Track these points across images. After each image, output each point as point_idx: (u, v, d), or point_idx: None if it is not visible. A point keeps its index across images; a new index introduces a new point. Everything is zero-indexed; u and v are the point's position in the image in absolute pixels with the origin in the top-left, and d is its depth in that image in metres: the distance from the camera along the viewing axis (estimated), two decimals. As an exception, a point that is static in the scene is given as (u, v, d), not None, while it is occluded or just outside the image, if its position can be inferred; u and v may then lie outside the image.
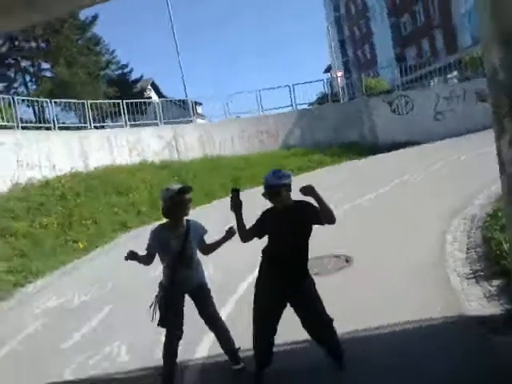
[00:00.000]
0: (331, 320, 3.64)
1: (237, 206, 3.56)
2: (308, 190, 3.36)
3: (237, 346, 3.88)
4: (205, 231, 3.88)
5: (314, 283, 3.62)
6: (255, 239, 3.65)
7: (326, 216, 3.38)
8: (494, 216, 6.54)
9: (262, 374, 3.66)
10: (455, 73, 22.31)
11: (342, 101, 21.88)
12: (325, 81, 22.95)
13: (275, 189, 3.45)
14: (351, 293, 5.13)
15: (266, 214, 3.64)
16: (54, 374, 4.39)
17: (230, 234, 3.72)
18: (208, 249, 3.89)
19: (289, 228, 3.46)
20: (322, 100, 23.11)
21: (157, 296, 3.73)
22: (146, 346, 4.58)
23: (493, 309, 4.28)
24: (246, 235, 3.64)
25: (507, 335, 3.75)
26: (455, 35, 34.12)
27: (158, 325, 3.67)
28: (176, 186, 3.70)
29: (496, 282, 4.77)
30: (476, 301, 4.50)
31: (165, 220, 3.78)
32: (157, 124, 18.74)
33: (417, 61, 28.58)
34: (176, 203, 3.62)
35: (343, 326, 4.23)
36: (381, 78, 23.52)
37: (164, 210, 3.70)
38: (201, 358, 4.19)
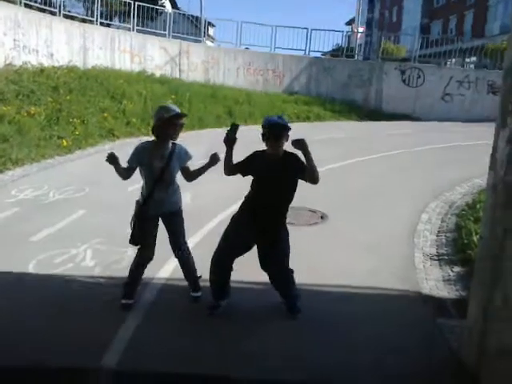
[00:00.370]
0: (291, 271, 3.78)
1: (231, 141, 3.54)
2: (300, 144, 3.35)
3: (199, 274, 3.99)
4: (189, 157, 3.83)
5: (288, 234, 3.71)
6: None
7: (310, 174, 3.40)
8: (472, 207, 6.69)
9: (217, 306, 3.80)
10: (474, 58, 21.84)
11: (356, 58, 21.35)
12: (344, 33, 22.22)
13: (279, 130, 3.43)
14: (317, 248, 5.27)
15: (255, 156, 3.63)
16: (19, 264, 4.46)
17: (213, 160, 3.70)
18: (191, 175, 3.86)
19: (274, 176, 3.48)
20: (336, 52, 22.47)
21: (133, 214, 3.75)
22: (113, 255, 4.68)
23: (447, 292, 4.48)
24: (231, 168, 3.64)
25: (451, 319, 3.95)
26: (485, 20, 33.05)
27: (130, 242, 3.74)
28: (174, 109, 3.63)
29: (457, 269, 4.95)
30: (434, 281, 4.68)
31: (153, 137, 3.74)
32: (165, 35, 18.06)
33: (441, 36, 27.75)
34: (168, 125, 3.56)
35: (302, 275, 4.44)
36: (401, 45, 22.87)
37: (154, 128, 3.64)
38: (163, 278, 4.30)
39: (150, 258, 3.83)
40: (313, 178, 3.41)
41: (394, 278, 4.63)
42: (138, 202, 3.76)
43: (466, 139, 13.53)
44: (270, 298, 3.91)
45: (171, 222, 3.83)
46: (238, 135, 3.56)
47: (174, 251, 3.94)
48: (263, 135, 3.47)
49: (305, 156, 3.37)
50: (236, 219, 3.72)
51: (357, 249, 5.32)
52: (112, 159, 3.55)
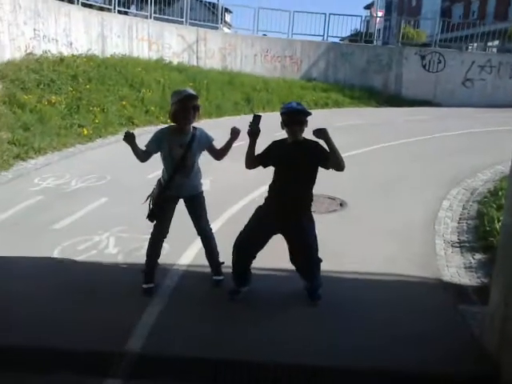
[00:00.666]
0: (318, 261, 3.74)
1: (254, 133, 3.52)
2: (321, 133, 3.31)
3: (221, 260, 4.04)
4: (211, 139, 3.87)
5: (313, 225, 3.67)
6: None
7: (335, 162, 3.36)
8: (495, 194, 6.60)
9: (237, 292, 3.85)
10: (497, 42, 21.30)
11: (375, 43, 21.03)
12: (362, 18, 21.89)
13: (297, 115, 3.42)
14: (336, 235, 5.27)
15: (274, 145, 3.64)
16: (44, 251, 4.56)
17: (234, 133, 3.73)
18: (218, 153, 3.89)
19: (293, 163, 3.47)
20: (354, 37, 22.16)
21: (152, 192, 3.80)
22: (134, 242, 4.75)
23: (468, 279, 4.45)
24: (253, 161, 3.65)
25: (474, 306, 3.93)
26: (509, 2, 32.11)
27: (147, 217, 3.78)
28: (184, 91, 3.64)
29: (478, 256, 4.91)
30: (455, 268, 4.65)
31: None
32: (182, 22, 18.01)
33: (462, 20, 27.11)
34: (182, 108, 3.57)
35: (325, 263, 4.44)
36: (421, 30, 22.42)
37: (171, 113, 3.66)
38: (184, 264, 4.36)
39: (163, 239, 3.87)
40: (338, 165, 3.38)
41: (414, 265, 4.61)
42: (159, 181, 3.80)
43: (488, 125, 13.28)
44: (290, 285, 3.94)
45: (193, 204, 3.88)
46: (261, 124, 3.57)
47: (198, 233, 3.99)
48: (282, 122, 3.47)
49: (328, 145, 3.33)
50: (259, 208, 3.74)
51: (377, 236, 5.30)
52: (129, 138, 3.56)
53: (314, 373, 3.01)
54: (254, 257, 3.77)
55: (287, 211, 3.57)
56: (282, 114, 3.47)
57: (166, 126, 3.82)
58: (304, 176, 3.51)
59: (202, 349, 3.19)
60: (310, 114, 3.48)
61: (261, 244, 3.70)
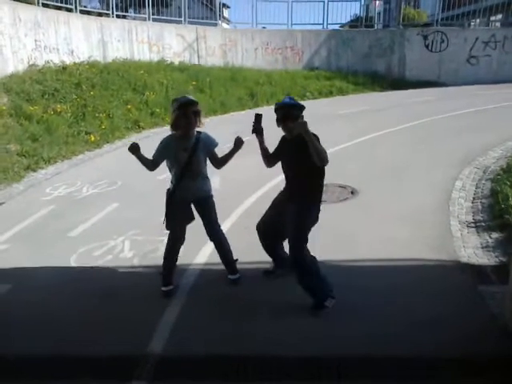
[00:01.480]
0: (299, 249, 3.51)
1: (258, 132, 3.57)
2: (299, 126, 3.23)
3: (235, 257, 4.05)
4: (215, 144, 3.87)
5: (301, 215, 3.51)
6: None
7: (315, 156, 3.23)
8: (507, 171, 6.52)
9: (269, 272, 4.04)
10: (500, 16, 20.94)
11: (375, 27, 20.80)
12: (361, 2, 21.61)
13: (284, 110, 3.42)
14: (349, 223, 5.25)
15: (280, 142, 3.70)
16: (60, 259, 4.61)
17: (238, 143, 3.75)
18: (219, 162, 3.92)
19: (289, 156, 3.53)
20: (354, 23, 21.94)
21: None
22: (149, 244, 4.79)
23: (486, 259, 4.41)
24: (269, 160, 3.73)
25: (493, 285, 3.90)
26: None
27: (166, 227, 3.84)
28: (184, 98, 3.68)
29: (495, 235, 4.87)
30: (472, 249, 4.62)
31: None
32: (180, 22, 17.98)
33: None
34: (182, 115, 3.60)
35: (335, 252, 4.44)
36: (421, 10, 22.13)
37: (172, 122, 3.69)
38: (200, 263, 4.38)
39: (180, 243, 3.91)
40: (318, 159, 3.24)
41: (430, 248, 4.59)
42: (168, 190, 3.86)
43: (495, 102, 13.10)
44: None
45: (201, 207, 3.92)
46: (263, 119, 3.59)
47: (208, 236, 4.01)
48: (276, 119, 3.48)
49: (305, 138, 3.20)
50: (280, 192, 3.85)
51: (390, 221, 5.27)
52: (134, 149, 3.58)
53: (332, 363, 3.01)
54: (281, 238, 3.79)
55: (287, 201, 3.61)
56: (275, 110, 3.48)
57: (170, 134, 3.81)
58: (298, 168, 3.49)
59: (222, 346, 3.21)
60: (303, 107, 3.47)
61: (276, 226, 3.74)
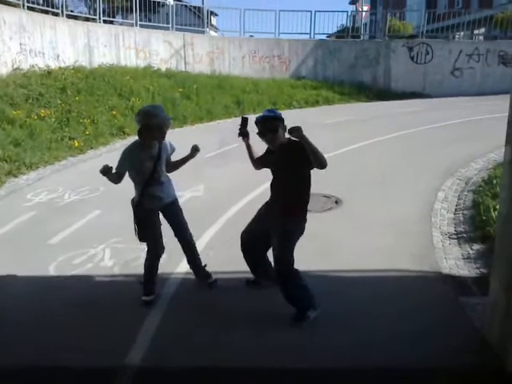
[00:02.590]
0: (286, 263, 3.47)
1: (244, 135, 3.61)
2: (295, 131, 3.20)
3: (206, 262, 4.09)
4: (173, 149, 3.88)
5: (295, 229, 3.51)
6: None
7: (314, 160, 3.23)
8: (489, 182, 6.60)
9: (254, 282, 4.00)
10: (483, 29, 21.35)
11: (362, 38, 21.03)
12: (348, 13, 21.86)
13: (271, 122, 3.41)
14: (333, 233, 5.26)
15: (267, 149, 3.69)
16: (40, 267, 4.53)
17: (193, 151, 3.81)
18: (172, 166, 3.91)
19: (278, 166, 3.51)
20: (341, 33, 22.15)
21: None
22: (130, 253, 4.71)
23: (467, 271, 4.44)
24: (255, 163, 3.75)
25: (474, 297, 3.92)
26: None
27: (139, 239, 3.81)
28: (158, 113, 3.61)
29: (476, 247, 4.90)
30: (453, 260, 4.65)
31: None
32: (168, 28, 17.97)
33: (447, 10, 27.15)
34: (155, 131, 3.58)
35: (318, 261, 4.43)
36: (407, 22, 22.42)
37: (141, 132, 3.61)
38: (181, 272, 4.33)
39: (160, 253, 3.86)
40: (317, 162, 3.24)
41: (412, 259, 4.61)
42: (132, 200, 3.80)
43: (478, 114, 13.30)
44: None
45: (170, 213, 3.89)
46: (249, 126, 3.60)
47: (181, 240, 3.97)
48: (258, 132, 3.48)
49: (304, 143, 3.21)
50: (262, 205, 3.82)
51: (373, 231, 5.29)
52: (106, 171, 3.57)
53: (315, 375, 2.98)
54: (264, 250, 3.78)
55: (274, 215, 3.56)
56: (255, 124, 3.48)
57: (133, 142, 3.75)
58: (284, 178, 3.48)
59: (202, 358, 3.16)
60: (282, 119, 3.46)
61: (258, 237, 3.71)
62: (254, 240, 3.77)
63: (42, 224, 5.69)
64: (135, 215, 3.75)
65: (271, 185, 3.64)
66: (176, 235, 3.95)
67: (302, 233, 3.56)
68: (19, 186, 7.29)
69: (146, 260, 3.86)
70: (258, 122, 3.46)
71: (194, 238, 4.12)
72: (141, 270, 3.92)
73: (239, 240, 3.88)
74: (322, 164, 3.24)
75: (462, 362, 3.09)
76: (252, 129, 3.57)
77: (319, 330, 3.46)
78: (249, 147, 3.72)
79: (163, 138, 3.68)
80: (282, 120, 3.46)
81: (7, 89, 10.22)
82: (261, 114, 3.55)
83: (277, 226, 3.49)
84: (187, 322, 3.60)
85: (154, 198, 3.73)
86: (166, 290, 4.05)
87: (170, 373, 3.04)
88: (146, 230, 3.75)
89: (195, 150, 3.80)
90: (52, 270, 4.48)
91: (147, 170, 3.65)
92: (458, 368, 3.02)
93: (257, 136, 3.49)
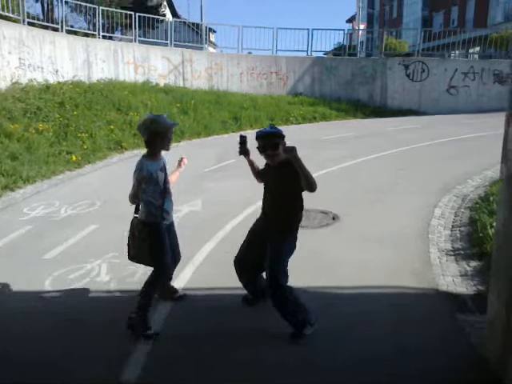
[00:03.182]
0: (277, 281, 3.43)
1: (245, 153, 3.68)
2: (289, 152, 3.18)
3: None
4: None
5: (289, 245, 3.51)
6: None
7: (304, 183, 3.23)
8: (486, 200, 6.62)
9: (247, 299, 3.96)
10: (478, 48, 21.65)
11: (358, 55, 21.28)
12: (345, 31, 22.13)
13: (265, 140, 3.42)
14: (330, 249, 5.25)
15: (266, 165, 3.70)
16: (35, 281, 4.49)
17: (180, 163, 3.93)
18: None
19: (273, 183, 3.53)
20: (338, 51, 22.40)
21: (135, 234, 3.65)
22: (127, 268, 4.67)
23: (465, 288, 4.43)
24: (258, 177, 3.82)
25: (470, 314, 3.90)
26: (487, 8, 32.73)
27: (160, 268, 3.66)
28: (165, 121, 3.56)
29: (473, 263, 4.90)
30: (450, 277, 4.63)
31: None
32: (167, 44, 18.14)
33: (443, 29, 27.57)
34: (166, 137, 3.56)
35: (316, 277, 4.42)
36: (403, 40, 22.72)
37: (151, 142, 3.54)
38: (178, 288, 4.28)
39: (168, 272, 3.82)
40: (307, 185, 3.23)
41: (410, 276, 4.59)
42: (141, 219, 3.61)
43: (474, 131, 13.41)
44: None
45: (172, 231, 3.87)
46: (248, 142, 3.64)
47: (175, 258, 3.89)
48: (257, 148, 3.49)
49: (295, 164, 3.18)
50: (254, 222, 3.80)
51: (371, 248, 5.28)
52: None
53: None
54: (259, 271, 3.75)
55: (268, 227, 3.58)
56: (256, 139, 3.49)
57: (142, 155, 3.63)
58: (278, 196, 3.50)
59: (199, 376, 3.12)
60: (282, 135, 3.47)
61: (254, 255, 3.68)
62: (247, 264, 3.77)
63: (39, 238, 5.65)
64: (160, 237, 3.58)
65: (265, 199, 3.65)
66: (173, 253, 3.81)
67: (294, 249, 3.55)
68: (15, 200, 7.26)
69: (153, 284, 3.64)
70: (258, 137, 3.47)
71: (192, 253, 4.11)
72: (137, 286, 3.86)
73: (236, 257, 3.86)
74: (311, 188, 3.25)
75: (459, 378, 3.08)
76: (252, 144, 3.59)
77: (317, 346, 3.43)
78: (251, 164, 3.80)
79: (169, 147, 3.64)
80: (282, 137, 3.46)
81: (5, 103, 10.26)
82: (262, 129, 3.57)
83: (269, 242, 3.50)
84: (183, 339, 3.56)
85: (169, 212, 3.70)
86: (163, 306, 4.01)
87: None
88: (162, 250, 3.60)
89: (181, 162, 3.90)
90: (48, 285, 4.43)
91: (161, 183, 3.58)
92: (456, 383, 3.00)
93: (257, 150, 3.50)
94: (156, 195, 3.59)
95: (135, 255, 3.71)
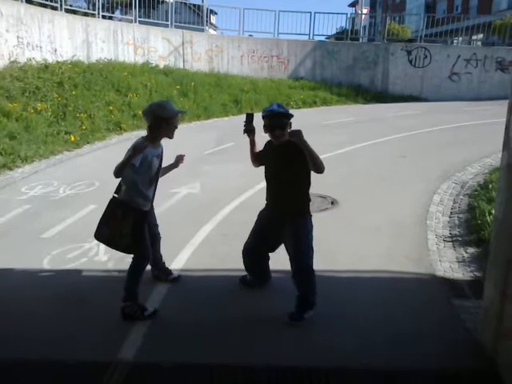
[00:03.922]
0: (307, 267, 3.48)
1: (250, 131, 3.53)
2: (295, 135, 3.17)
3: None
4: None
5: (305, 229, 3.49)
6: None
7: (312, 164, 3.22)
8: (485, 187, 6.62)
9: (246, 280, 3.98)
10: (481, 35, 21.45)
11: (360, 40, 21.07)
12: (348, 15, 21.92)
13: (275, 119, 3.34)
14: (328, 234, 5.25)
15: (265, 146, 3.64)
16: (33, 260, 4.50)
17: (177, 161, 3.84)
18: (162, 170, 3.75)
19: (278, 165, 3.44)
20: (340, 35, 22.18)
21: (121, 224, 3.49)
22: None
23: (462, 274, 4.45)
24: (255, 160, 3.70)
25: (466, 300, 3.93)
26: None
27: (136, 252, 3.58)
28: (172, 108, 3.49)
29: (471, 250, 4.92)
30: (448, 263, 4.65)
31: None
32: (167, 26, 17.92)
33: (446, 15, 27.27)
34: (172, 125, 3.47)
35: (317, 262, 4.42)
36: (406, 25, 22.49)
37: (155, 128, 3.44)
38: (176, 269, 4.29)
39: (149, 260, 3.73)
40: (315, 167, 3.22)
41: (407, 261, 4.61)
42: (134, 209, 3.48)
43: (475, 118, 13.36)
44: (288, 287, 3.81)
45: (151, 213, 3.80)
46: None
47: (153, 239, 3.83)
48: (264, 126, 3.41)
49: (302, 147, 3.17)
50: (260, 211, 3.73)
51: (369, 233, 5.29)
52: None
53: (309, 374, 2.97)
54: (267, 257, 3.77)
55: (275, 212, 3.55)
56: (263, 117, 3.40)
57: (141, 137, 3.53)
58: (285, 178, 3.42)
59: (193, 355, 3.14)
60: (291, 115, 3.41)
61: (263, 244, 3.69)
62: (255, 254, 3.78)
63: (36, 218, 5.65)
64: (139, 221, 3.47)
65: (269, 181, 3.57)
66: (151, 233, 3.76)
67: (312, 229, 3.54)
68: (14, 180, 7.25)
69: (138, 270, 3.58)
70: (266, 115, 3.36)
71: (190, 234, 4.10)
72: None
73: (234, 238, 3.87)
74: (319, 169, 3.24)
75: (455, 363, 3.10)
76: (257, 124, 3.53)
77: (314, 330, 3.45)
78: (253, 144, 3.64)
79: (173, 135, 3.54)
80: (290, 117, 3.40)
81: (3, 81, 10.17)
82: (269, 107, 3.42)
83: (289, 228, 3.46)
84: (180, 320, 3.57)
85: (150, 200, 3.58)
86: (161, 287, 4.02)
87: (162, 370, 3.02)
88: (143, 235, 3.53)
89: (178, 160, 3.82)
90: (46, 264, 4.45)
91: (154, 169, 3.48)
92: (451, 369, 3.03)
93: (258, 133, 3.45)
94: (145, 180, 3.46)
95: (110, 237, 3.53)
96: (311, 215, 3.55)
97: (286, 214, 3.48)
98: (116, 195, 3.56)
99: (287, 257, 3.55)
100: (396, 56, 19.27)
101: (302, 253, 3.47)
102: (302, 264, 3.47)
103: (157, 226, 3.93)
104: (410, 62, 19.26)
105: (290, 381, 2.94)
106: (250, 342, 3.30)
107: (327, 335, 3.40)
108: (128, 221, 3.42)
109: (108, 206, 3.57)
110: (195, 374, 2.98)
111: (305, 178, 3.45)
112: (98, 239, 3.61)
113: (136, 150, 3.34)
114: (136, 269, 3.58)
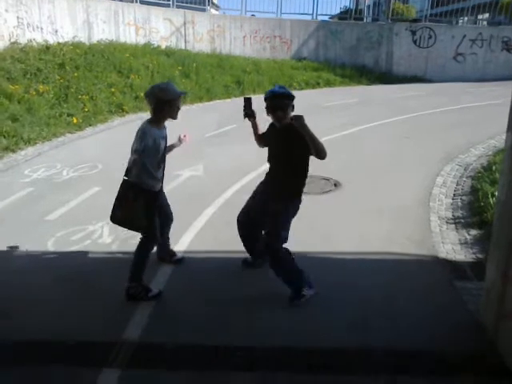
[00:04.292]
0: (277, 251, 3.48)
1: (250, 116, 3.59)
2: (297, 121, 3.16)
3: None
4: None
5: (287, 210, 3.49)
6: None
7: (314, 150, 3.20)
8: (488, 169, 6.60)
9: (252, 263, 4.01)
10: (487, 15, 21.11)
11: (365, 20, 20.78)
12: (352, -6, 21.52)
13: (276, 100, 3.35)
14: (331, 216, 5.27)
15: (268, 128, 3.65)
16: (38, 242, 4.53)
17: (179, 140, 3.94)
18: None
19: (279, 146, 3.47)
20: (344, 15, 21.86)
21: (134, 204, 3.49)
22: (128, 230, 4.67)
23: (464, 256, 4.46)
24: (259, 141, 3.76)
25: (468, 282, 3.95)
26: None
27: (146, 232, 3.62)
28: (175, 89, 3.49)
29: (474, 232, 4.92)
30: (450, 245, 4.67)
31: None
32: (168, 5, 17.68)
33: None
34: (176, 106, 3.48)
35: (316, 244, 4.45)
36: (410, 5, 22.14)
37: (159, 110, 3.44)
38: (179, 251, 4.32)
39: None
40: (317, 153, 3.20)
41: (410, 243, 4.62)
42: (145, 190, 3.49)
43: (480, 100, 13.25)
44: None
45: (162, 194, 3.83)
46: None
47: (167, 221, 3.93)
48: (266, 108, 3.42)
49: (304, 133, 3.16)
50: (259, 183, 3.81)
51: (371, 215, 5.30)
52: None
53: (309, 355, 3.01)
54: (261, 230, 3.75)
55: (270, 191, 3.60)
56: (265, 99, 3.42)
57: (147, 122, 3.51)
58: (284, 159, 3.44)
59: (198, 336, 3.19)
60: (293, 97, 3.41)
61: (255, 218, 3.72)
62: (249, 222, 3.80)
63: (40, 200, 5.67)
64: (150, 202, 3.50)
65: (270, 162, 3.62)
66: (164, 214, 3.85)
67: (296, 213, 3.55)
68: (17, 162, 7.25)
69: (147, 249, 3.64)
70: (268, 97, 3.39)
71: (193, 217, 4.11)
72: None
73: (235, 221, 3.88)
74: (320, 155, 3.22)
75: (456, 344, 3.13)
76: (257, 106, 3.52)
77: (315, 311, 3.48)
78: (255, 126, 3.70)
79: (177, 115, 3.55)
80: (292, 98, 3.40)
81: (4, 63, 10.10)
82: (271, 89, 3.44)
83: (272, 204, 3.50)
84: (184, 301, 3.62)
85: (160, 181, 3.62)
86: (164, 269, 4.06)
87: (167, 350, 3.06)
88: (153, 216, 3.57)
89: (179, 140, 3.91)
90: (50, 246, 4.48)
91: (161, 151, 3.50)
92: (452, 352, 3.06)
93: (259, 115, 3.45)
94: (154, 162, 3.48)
95: (123, 219, 3.56)
96: (300, 201, 3.55)
97: (274, 195, 3.52)
98: (126, 178, 3.57)
99: (290, 239, 3.56)
100: (400, 36, 19.03)
101: (272, 234, 3.48)
102: (271, 246, 3.48)
103: (169, 205, 3.96)
104: (415, 42, 19.03)
105: (291, 361, 2.98)
106: (252, 322, 3.34)
107: (326, 315, 3.43)
108: (139, 202, 3.46)
109: (120, 188, 3.59)
110: (199, 353, 3.03)
111: (302, 163, 3.44)
112: (113, 221, 3.66)
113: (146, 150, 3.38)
114: (144, 249, 3.64)
